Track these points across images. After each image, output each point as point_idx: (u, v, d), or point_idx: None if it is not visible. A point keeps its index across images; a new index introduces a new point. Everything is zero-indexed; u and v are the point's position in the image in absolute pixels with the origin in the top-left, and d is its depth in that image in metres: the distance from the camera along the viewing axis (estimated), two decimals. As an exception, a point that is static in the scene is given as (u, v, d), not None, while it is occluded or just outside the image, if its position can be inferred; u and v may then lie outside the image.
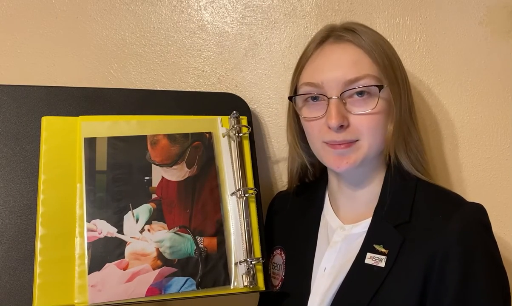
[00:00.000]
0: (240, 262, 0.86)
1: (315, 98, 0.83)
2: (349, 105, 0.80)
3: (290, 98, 0.88)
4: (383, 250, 0.78)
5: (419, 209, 0.80)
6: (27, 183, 0.84)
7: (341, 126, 0.79)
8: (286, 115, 0.95)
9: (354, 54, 0.80)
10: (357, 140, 0.80)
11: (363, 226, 0.83)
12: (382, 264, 0.77)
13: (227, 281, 0.85)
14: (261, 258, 0.87)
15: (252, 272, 0.85)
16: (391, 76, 0.81)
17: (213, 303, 0.92)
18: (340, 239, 0.85)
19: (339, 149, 0.81)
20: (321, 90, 0.81)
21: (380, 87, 0.79)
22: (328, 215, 0.91)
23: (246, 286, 0.85)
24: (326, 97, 0.80)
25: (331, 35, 0.84)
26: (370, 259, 0.78)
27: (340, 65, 0.80)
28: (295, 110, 0.89)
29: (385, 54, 0.81)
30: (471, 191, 1.05)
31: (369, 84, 0.79)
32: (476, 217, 0.77)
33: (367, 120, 0.79)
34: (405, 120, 0.83)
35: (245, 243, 0.87)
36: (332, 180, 0.92)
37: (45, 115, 0.87)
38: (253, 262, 0.86)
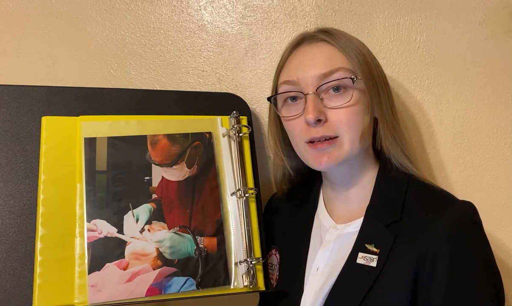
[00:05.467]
0: (240, 262, 0.86)
1: (293, 98, 0.85)
2: (326, 100, 0.81)
3: (269, 99, 0.90)
4: (375, 249, 0.78)
5: (410, 208, 0.80)
6: (27, 183, 0.84)
7: (319, 121, 0.80)
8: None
9: (328, 50, 0.83)
10: (337, 137, 0.81)
11: (356, 225, 0.84)
12: (374, 264, 0.77)
13: (227, 281, 0.85)
14: (261, 258, 0.87)
15: (252, 272, 0.85)
16: (366, 70, 0.82)
17: (213, 303, 0.92)
18: (333, 238, 0.85)
19: (320, 147, 0.81)
20: (298, 87, 0.83)
21: (353, 79, 0.80)
22: (321, 214, 0.91)
23: (246, 286, 0.85)
24: (303, 93, 0.82)
25: (306, 37, 0.86)
26: (361, 259, 0.79)
27: (315, 62, 0.82)
28: (276, 114, 0.91)
29: (359, 52, 0.83)
30: (471, 191, 1.05)
31: (342, 76, 0.81)
32: (466, 215, 0.77)
33: (344, 113, 0.80)
34: (389, 116, 0.85)
35: (245, 243, 0.87)
36: (325, 180, 0.93)
37: (45, 115, 0.87)
38: (253, 262, 0.86)
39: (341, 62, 0.81)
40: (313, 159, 0.83)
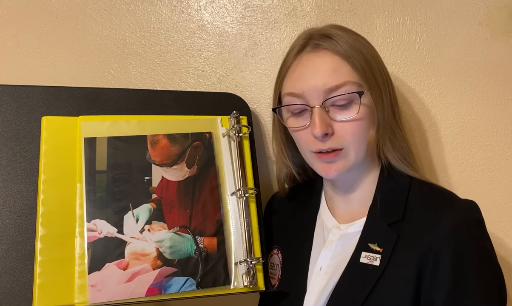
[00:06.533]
0: (240, 262, 0.86)
1: (299, 109, 0.84)
2: (332, 112, 0.81)
3: (274, 110, 0.89)
4: (378, 248, 0.78)
5: (413, 207, 0.81)
6: (27, 183, 0.84)
7: (326, 134, 0.80)
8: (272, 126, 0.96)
9: (332, 61, 0.81)
10: (342, 148, 0.81)
11: (358, 225, 0.84)
12: (377, 263, 0.77)
13: (227, 281, 0.85)
14: (261, 258, 0.87)
15: (252, 272, 0.85)
16: (371, 80, 0.81)
17: (213, 303, 0.92)
18: (336, 238, 0.85)
19: (327, 159, 0.82)
20: (303, 100, 0.82)
21: (360, 94, 0.80)
22: (324, 214, 0.91)
23: (246, 286, 0.85)
24: (309, 106, 0.81)
25: (309, 43, 0.84)
26: (365, 258, 0.79)
27: (319, 74, 0.80)
28: (280, 120, 0.90)
29: (364, 58, 0.81)
30: (471, 191, 1.05)
31: (349, 91, 0.80)
32: (469, 213, 0.77)
33: (350, 127, 0.80)
34: (388, 122, 0.84)
35: (245, 243, 0.87)
36: (326, 182, 0.93)
37: (45, 115, 0.87)
38: (253, 262, 0.86)
39: (347, 75, 0.80)
40: (321, 169, 0.84)
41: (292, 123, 0.86)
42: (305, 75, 0.82)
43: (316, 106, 0.80)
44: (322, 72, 0.80)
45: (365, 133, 0.82)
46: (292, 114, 0.85)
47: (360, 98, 0.80)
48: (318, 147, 0.81)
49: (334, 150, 0.81)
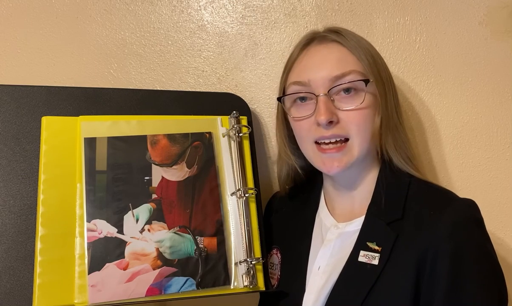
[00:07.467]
0: (240, 262, 0.86)
1: (303, 99, 0.85)
2: (337, 102, 0.81)
3: (279, 99, 0.90)
4: (376, 247, 0.78)
5: (412, 206, 0.81)
6: (27, 183, 0.84)
7: (331, 122, 0.80)
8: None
9: (339, 52, 0.83)
10: (347, 139, 0.81)
11: (357, 224, 0.84)
12: (376, 262, 0.77)
13: (227, 281, 0.85)
14: (261, 258, 0.87)
15: (252, 272, 0.85)
16: (376, 73, 0.83)
17: (213, 303, 0.92)
18: (334, 237, 0.85)
19: (329, 153, 0.82)
20: (309, 88, 0.83)
21: (366, 82, 0.80)
22: (322, 213, 0.91)
23: (246, 286, 0.85)
24: (314, 95, 0.82)
25: (316, 37, 0.86)
26: (363, 257, 0.79)
27: (326, 63, 0.82)
28: (283, 112, 0.91)
29: (369, 53, 0.83)
30: (471, 191, 1.05)
31: (355, 79, 0.80)
32: (468, 212, 0.77)
33: (355, 116, 0.81)
34: (392, 118, 0.85)
35: (245, 243, 0.87)
36: (327, 180, 0.93)
37: (45, 115, 0.87)
38: (253, 262, 0.86)
39: (352, 65, 0.81)
40: (322, 164, 0.83)
41: (295, 112, 0.86)
42: (312, 65, 0.83)
43: (321, 94, 0.81)
44: (329, 62, 0.82)
45: (370, 123, 0.82)
46: (295, 104, 0.86)
47: (366, 86, 0.80)
48: (320, 135, 0.82)
49: (336, 142, 0.81)
